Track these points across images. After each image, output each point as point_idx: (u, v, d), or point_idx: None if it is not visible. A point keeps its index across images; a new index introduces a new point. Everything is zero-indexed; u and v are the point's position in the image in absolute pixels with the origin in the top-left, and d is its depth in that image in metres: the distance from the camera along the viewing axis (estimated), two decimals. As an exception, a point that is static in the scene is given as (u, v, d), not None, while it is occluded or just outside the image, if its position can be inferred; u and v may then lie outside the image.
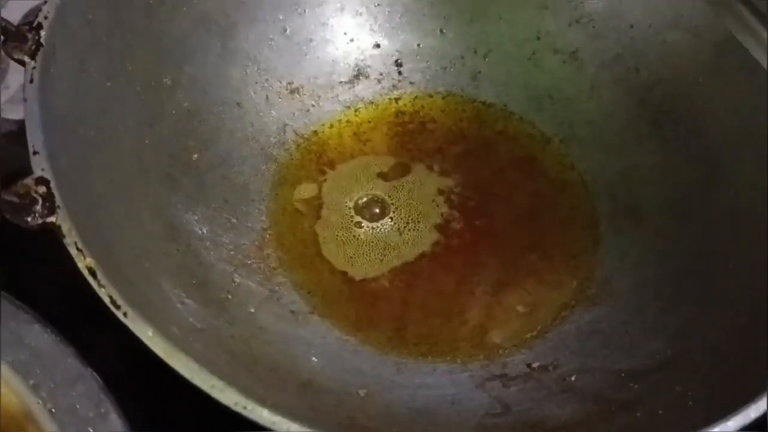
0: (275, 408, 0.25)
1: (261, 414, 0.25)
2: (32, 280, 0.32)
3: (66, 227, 0.27)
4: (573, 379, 0.36)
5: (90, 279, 0.27)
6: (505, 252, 0.42)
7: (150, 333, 0.26)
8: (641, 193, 0.42)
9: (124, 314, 0.26)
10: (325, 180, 0.44)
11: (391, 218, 0.42)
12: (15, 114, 0.50)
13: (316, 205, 0.43)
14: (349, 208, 0.43)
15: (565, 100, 0.46)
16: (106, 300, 0.26)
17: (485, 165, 0.45)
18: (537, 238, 0.42)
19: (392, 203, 0.43)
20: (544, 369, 0.37)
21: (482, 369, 0.37)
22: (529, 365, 0.37)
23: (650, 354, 0.35)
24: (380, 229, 0.42)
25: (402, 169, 0.44)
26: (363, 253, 0.41)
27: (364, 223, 0.42)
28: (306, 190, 0.43)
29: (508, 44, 0.47)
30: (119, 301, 0.26)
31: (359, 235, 0.42)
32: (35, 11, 0.48)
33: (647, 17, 0.44)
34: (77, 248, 0.27)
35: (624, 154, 0.44)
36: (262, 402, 0.25)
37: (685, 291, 0.37)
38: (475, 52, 0.47)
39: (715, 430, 0.26)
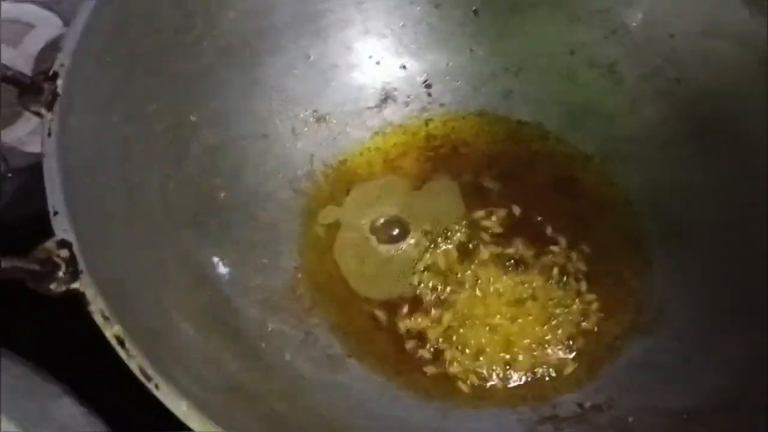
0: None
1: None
2: (55, 343, 0.30)
3: (90, 294, 0.26)
4: (630, 420, 0.34)
5: (118, 349, 0.25)
6: (547, 279, 0.40)
7: (184, 408, 0.24)
8: (690, 212, 0.40)
9: (156, 386, 0.25)
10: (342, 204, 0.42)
11: (425, 248, 0.40)
12: (37, 147, 0.50)
13: (336, 231, 0.41)
14: (368, 235, 0.41)
15: (604, 115, 0.44)
16: (136, 371, 0.25)
17: (523, 187, 0.43)
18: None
19: (422, 231, 0.41)
20: (597, 409, 0.35)
21: (532, 411, 0.35)
22: (580, 405, 0.35)
23: (714, 392, 0.33)
24: (409, 259, 0.40)
25: (434, 193, 0.43)
26: (394, 287, 0.39)
27: (392, 250, 0.40)
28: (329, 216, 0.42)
29: (541, 60, 0.45)
30: (150, 372, 0.25)
31: (387, 264, 0.40)
32: (52, 48, 0.47)
33: (687, 25, 0.42)
34: (103, 316, 0.26)
35: (669, 172, 0.41)
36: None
37: (750, 319, 0.35)
38: (507, 69, 0.45)
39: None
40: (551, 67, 0.45)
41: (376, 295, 0.39)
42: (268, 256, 0.39)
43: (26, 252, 0.27)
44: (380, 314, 0.39)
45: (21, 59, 0.52)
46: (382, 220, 0.42)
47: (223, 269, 0.37)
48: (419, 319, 0.38)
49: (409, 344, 0.38)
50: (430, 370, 0.37)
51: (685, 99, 0.42)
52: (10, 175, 0.48)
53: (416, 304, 0.39)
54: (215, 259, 0.37)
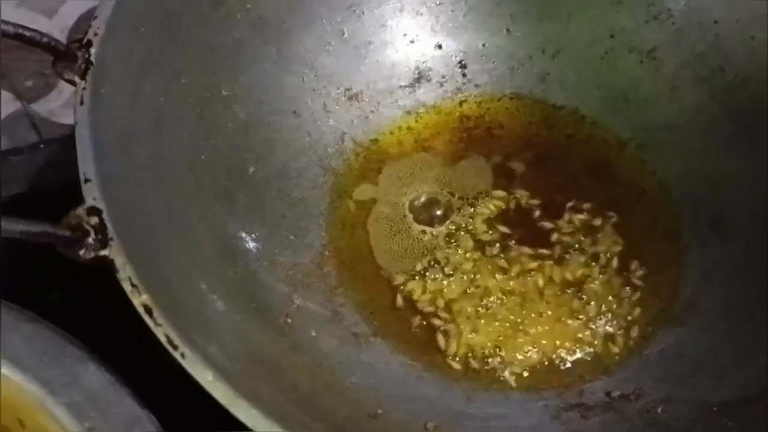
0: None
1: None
2: (83, 309, 0.31)
3: (120, 261, 0.26)
4: (659, 411, 0.33)
5: (146, 317, 0.25)
6: (578, 265, 0.39)
7: (210, 377, 0.24)
8: (728, 203, 0.39)
9: (182, 355, 0.24)
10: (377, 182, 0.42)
11: (454, 229, 0.40)
12: (71, 119, 0.50)
13: (370, 209, 0.41)
14: (406, 212, 0.41)
15: (642, 101, 0.43)
16: (163, 340, 0.25)
17: (556, 172, 0.42)
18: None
19: (454, 211, 0.40)
20: (625, 398, 0.34)
21: (558, 398, 0.35)
22: (608, 394, 0.35)
23: (745, 384, 0.32)
24: (440, 240, 0.40)
25: (469, 173, 0.42)
26: (424, 269, 0.39)
27: (426, 231, 0.40)
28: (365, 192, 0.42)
29: (579, 43, 0.44)
30: (176, 341, 0.25)
31: (418, 247, 0.40)
32: (86, 20, 0.47)
33: (733, 12, 0.41)
34: (132, 284, 0.26)
35: (708, 160, 0.40)
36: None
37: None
38: (544, 51, 0.44)
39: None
40: (589, 50, 0.44)
41: (398, 270, 0.38)
42: (296, 233, 0.39)
43: (57, 219, 0.27)
44: (403, 295, 0.38)
45: (57, 30, 0.52)
46: (422, 199, 0.41)
47: (251, 243, 0.36)
48: (445, 301, 0.38)
49: (434, 325, 0.37)
50: (452, 351, 0.36)
51: (726, 87, 0.41)
52: (42, 145, 0.48)
53: (443, 285, 0.38)
54: (243, 234, 0.37)
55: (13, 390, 0.26)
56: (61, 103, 0.51)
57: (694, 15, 0.42)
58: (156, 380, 0.27)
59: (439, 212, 0.41)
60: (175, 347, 0.25)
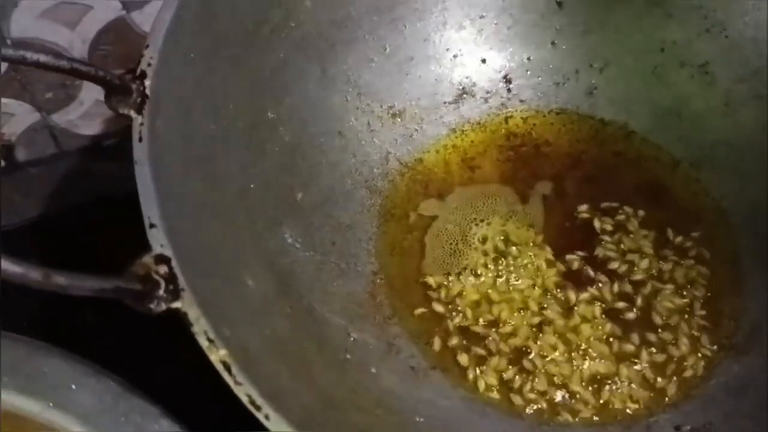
0: None
1: None
2: (149, 362, 0.29)
3: (193, 315, 0.25)
4: (732, 447, 0.32)
5: (225, 375, 0.24)
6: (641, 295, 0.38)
7: (295, 439, 0.23)
8: (788, 225, 0.38)
9: (266, 417, 0.23)
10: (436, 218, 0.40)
11: (511, 260, 0.39)
12: (89, 129, 0.49)
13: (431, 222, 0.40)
14: (469, 249, 0.39)
15: (695, 118, 0.42)
16: (244, 399, 0.24)
17: (607, 193, 0.41)
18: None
19: (512, 242, 0.39)
20: (696, 433, 0.33)
21: (623, 431, 0.34)
22: (677, 428, 0.34)
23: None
24: (496, 272, 0.38)
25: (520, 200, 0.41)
26: (480, 298, 0.38)
27: (479, 266, 0.39)
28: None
29: (628, 57, 0.43)
30: (259, 401, 0.23)
31: (475, 280, 0.38)
32: (108, 31, 0.45)
33: (791, 25, 0.40)
34: (208, 338, 0.24)
35: (767, 181, 0.39)
36: None
37: None
38: (591, 65, 0.43)
39: None
40: (638, 64, 0.43)
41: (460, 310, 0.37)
42: (347, 260, 0.38)
43: (121, 268, 0.25)
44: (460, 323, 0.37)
45: (78, 41, 0.50)
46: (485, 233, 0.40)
47: (304, 275, 0.35)
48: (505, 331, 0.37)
49: (492, 357, 0.36)
50: (513, 383, 0.35)
51: (784, 104, 0.40)
52: (62, 157, 0.47)
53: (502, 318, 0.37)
54: (296, 265, 0.35)
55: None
56: (81, 114, 0.49)
57: (748, 30, 0.41)
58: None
59: (493, 250, 0.39)
60: (258, 408, 0.23)
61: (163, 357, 0.26)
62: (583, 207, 0.40)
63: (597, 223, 0.40)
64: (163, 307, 0.25)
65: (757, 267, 0.38)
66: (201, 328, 0.24)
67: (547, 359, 0.36)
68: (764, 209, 0.39)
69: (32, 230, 0.43)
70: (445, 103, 0.43)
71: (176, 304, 0.25)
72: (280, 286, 0.34)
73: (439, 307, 0.37)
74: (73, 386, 0.25)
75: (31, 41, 0.43)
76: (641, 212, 0.40)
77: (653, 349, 0.36)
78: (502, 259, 0.39)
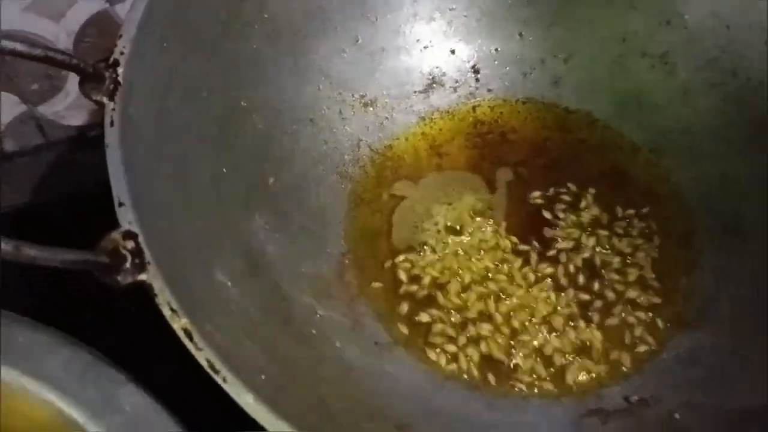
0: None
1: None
2: (120, 333, 0.31)
3: (158, 286, 0.26)
4: (677, 417, 0.34)
5: (186, 341, 0.26)
6: (593, 272, 0.40)
7: (251, 400, 0.25)
8: (743, 206, 0.40)
9: (224, 379, 0.25)
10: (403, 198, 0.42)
11: (470, 238, 0.40)
12: (75, 120, 0.50)
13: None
14: (430, 228, 0.41)
15: (655, 106, 0.43)
16: (204, 364, 0.25)
17: (570, 178, 0.43)
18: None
19: (476, 222, 0.41)
20: (644, 403, 0.35)
21: (577, 403, 0.36)
22: (626, 399, 0.35)
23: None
24: (462, 251, 0.40)
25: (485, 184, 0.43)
26: (443, 277, 0.39)
27: (449, 242, 0.40)
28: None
29: (591, 47, 0.44)
30: (218, 365, 0.25)
31: (442, 256, 0.40)
32: (92, 24, 0.47)
33: (745, 17, 0.41)
34: (171, 308, 0.26)
35: (722, 165, 0.41)
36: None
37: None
38: (556, 56, 0.45)
39: None
40: (602, 54, 0.44)
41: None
42: (316, 242, 0.39)
43: (92, 242, 0.27)
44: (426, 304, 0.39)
45: (63, 34, 0.52)
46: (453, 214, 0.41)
47: (274, 256, 0.37)
48: (466, 311, 0.38)
49: (456, 335, 0.38)
50: (474, 359, 0.37)
51: (739, 92, 0.41)
52: (48, 147, 0.48)
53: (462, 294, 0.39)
54: (267, 246, 0.37)
55: (52, 413, 0.26)
56: (67, 105, 0.50)
57: (706, 20, 0.42)
58: (195, 398, 0.28)
59: (459, 229, 0.41)
60: (217, 371, 0.25)
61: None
62: (544, 191, 0.42)
63: (556, 205, 0.41)
64: (129, 279, 0.27)
65: (711, 246, 0.40)
66: (165, 299, 0.26)
67: (504, 334, 0.38)
68: (719, 191, 0.41)
69: (17, 217, 0.44)
70: (415, 92, 0.45)
71: (142, 276, 0.26)
72: (249, 266, 0.35)
73: (403, 286, 0.39)
74: (43, 354, 0.26)
75: (15, 34, 0.45)
76: (599, 194, 0.42)
77: (604, 324, 0.38)
78: (462, 237, 0.40)
